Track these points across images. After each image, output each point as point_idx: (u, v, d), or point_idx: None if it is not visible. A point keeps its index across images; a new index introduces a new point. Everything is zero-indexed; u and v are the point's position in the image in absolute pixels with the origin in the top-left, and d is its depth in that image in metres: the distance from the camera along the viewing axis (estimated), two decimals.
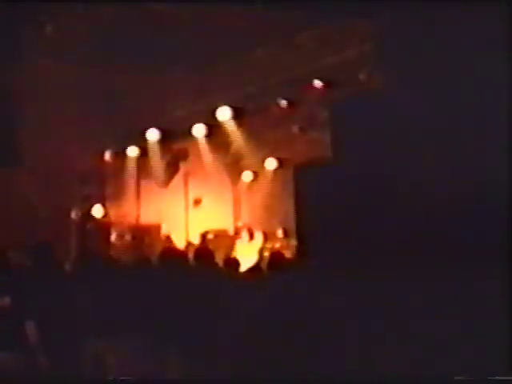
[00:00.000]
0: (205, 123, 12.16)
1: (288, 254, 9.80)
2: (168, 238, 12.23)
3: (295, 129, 11.35)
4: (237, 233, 12.12)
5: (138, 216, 12.81)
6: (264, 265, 6.77)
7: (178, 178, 12.99)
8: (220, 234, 12.09)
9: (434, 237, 6.31)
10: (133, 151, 12.85)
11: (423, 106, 6.83)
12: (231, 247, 11.55)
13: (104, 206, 12.59)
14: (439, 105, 6.73)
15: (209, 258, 6.37)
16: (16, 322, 5.46)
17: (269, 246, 11.15)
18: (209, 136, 12.28)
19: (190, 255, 6.47)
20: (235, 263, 6.61)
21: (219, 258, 6.86)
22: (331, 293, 5.03)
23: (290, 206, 10.42)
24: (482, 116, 6.35)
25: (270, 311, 5.04)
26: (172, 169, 12.87)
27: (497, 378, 4.34)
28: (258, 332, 4.98)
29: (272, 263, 6.37)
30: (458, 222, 6.31)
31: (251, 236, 11.54)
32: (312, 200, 8.03)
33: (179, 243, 11.84)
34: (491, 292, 4.90)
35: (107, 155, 12.83)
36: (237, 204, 13.06)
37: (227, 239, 11.91)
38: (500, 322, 4.65)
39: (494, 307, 4.79)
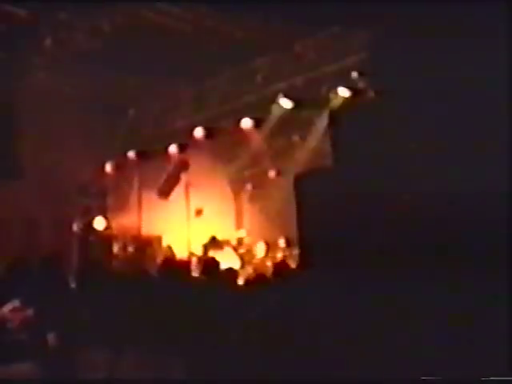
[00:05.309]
0: (205, 133, 12.16)
1: (291, 264, 9.78)
2: (170, 248, 12.22)
3: (296, 138, 11.36)
4: (239, 243, 12.12)
5: (140, 227, 12.79)
6: (267, 274, 6.78)
7: (179, 189, 12.99)
8: (222, 245, 12.08)
9: (435, 243, 6.29)
10: (133, 162, 12.85)
11: (422, 113, 6.84)
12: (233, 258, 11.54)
13: (106, 217, 12.58)
14: (439, 113, 6.73)
15: (217, 269, 6.39)
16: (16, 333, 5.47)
17: (271, 255, 11.14)
18: (209, 146, 12.28)
19: (199, 267, 6.49)
20: (236, 273, 6.60)
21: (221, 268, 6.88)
22: (333, 301, 5.01)
23: (291, 216, 10.40)
24: (483, 123, 6.36)
25: (272, 321, 5.03)
26: (173, 179, 12.87)
27: (497, 378, 4.32)
28: (261, 342, 4.96)
29: (275, 273, 6.37)
30: (458, 230, 6.30)
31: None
32: (314, 209, 8.02)
33: (181, 254, 11.83)
34: (491, 292, 4.89)
35: (108, 167, 12.83)
36: (238, 214, 13.06)
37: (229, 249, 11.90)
38: (500, 322, 4.64)
39: (494, 307, 4.78)
